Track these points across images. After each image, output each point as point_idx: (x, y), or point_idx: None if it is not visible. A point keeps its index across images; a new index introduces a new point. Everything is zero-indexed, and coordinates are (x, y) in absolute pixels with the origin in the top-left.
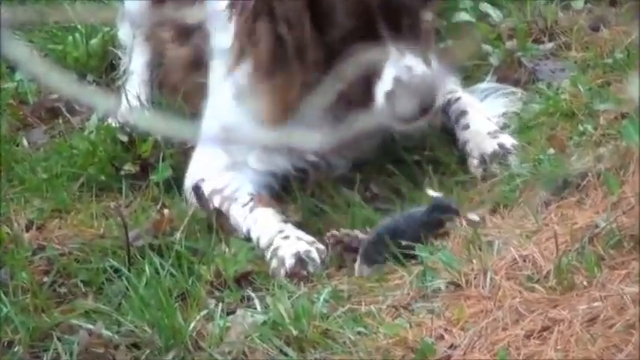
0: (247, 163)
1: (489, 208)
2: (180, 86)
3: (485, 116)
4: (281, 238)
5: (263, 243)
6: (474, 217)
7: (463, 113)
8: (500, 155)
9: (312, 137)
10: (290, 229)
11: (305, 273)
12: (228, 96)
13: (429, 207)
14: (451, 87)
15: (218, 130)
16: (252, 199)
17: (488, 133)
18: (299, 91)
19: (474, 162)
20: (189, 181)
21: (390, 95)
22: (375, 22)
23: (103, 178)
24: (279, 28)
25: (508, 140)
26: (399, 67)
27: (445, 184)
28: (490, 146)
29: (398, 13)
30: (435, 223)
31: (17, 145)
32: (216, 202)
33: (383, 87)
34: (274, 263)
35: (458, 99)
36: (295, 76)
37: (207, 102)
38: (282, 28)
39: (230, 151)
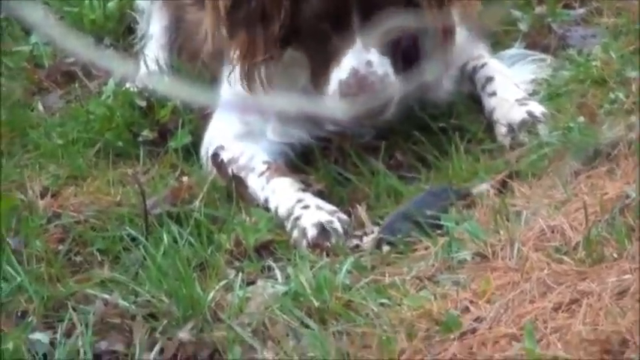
0: (263, 133)
1: (517, 177)
2: (200, 51)
3: (513, 83)
4: (301, 208)
5: (282, 213)
6: (484, 187)
7: (489, 80)
8: (529, 124)
9: (332, 105)
10: (309, 198)
11: (328, 244)
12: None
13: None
14: (478, 53)
15: (234, 97)
16: (268, 169)
17: (517, 101)
18: (263, 56)
19: (501, 130)
20: (205, 149)
21: (343, 84)
22: (350, 10)
23: (120, 144)
24: None
25: (537, 108)
26: (359, 59)
27: (472, 152)
28: (518, 114)
29: (374, 8)
30: None
31: (32, 110)
32: (232, 170)
33: (338, 74)
34: (296, 233)
35: (484, 65)
36: (258, 41)
37: (225, 68)
38: None
39: (246, 121)
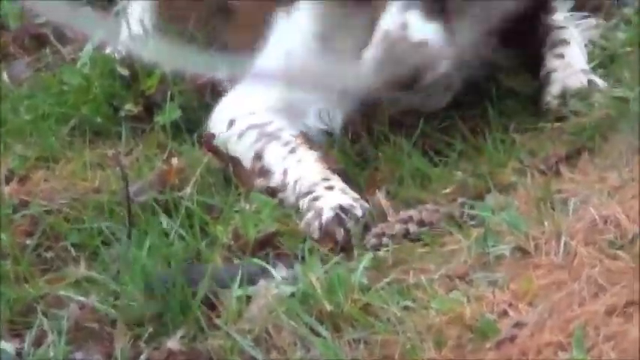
0: (304, 115)
1: (565, 158)
2: (186, 14)
3: (583, 53)
4: (324, 188)
5: (302, 187)
6: None
7: (562, 42)
8: (584, 93)
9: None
10: (336, 180)
11: (342, 231)
12: (307, 31)
13: None
14: (557, 15)
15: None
16: (295, 139)
17: (582, 70)
18: None
19: (552, 90)
20: (220, 114)
21: (373, 49)
22: None
23: (98, 119)
24: None
25: (598, 81)
26: (393, 21)
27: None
28: (577, 81)
29: None
30: None
31: None
32: (250, 137)
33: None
34: (309, 215)
35: (562, 27)
36: None
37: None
38: None
39: (288, 99)
